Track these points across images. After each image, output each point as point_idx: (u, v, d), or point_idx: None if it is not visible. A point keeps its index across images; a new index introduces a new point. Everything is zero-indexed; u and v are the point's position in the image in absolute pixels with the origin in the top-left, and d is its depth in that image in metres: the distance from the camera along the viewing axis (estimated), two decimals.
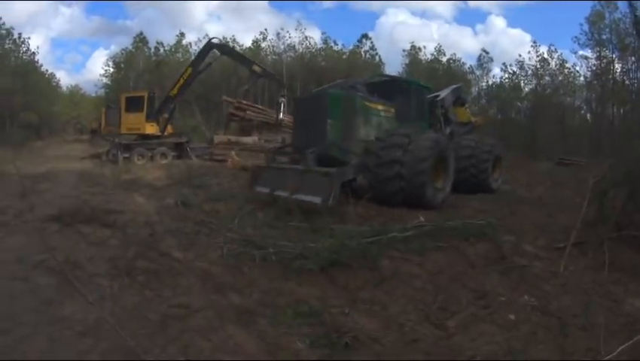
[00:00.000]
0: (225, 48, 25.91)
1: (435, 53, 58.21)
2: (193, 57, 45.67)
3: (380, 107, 11.95)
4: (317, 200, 9.12)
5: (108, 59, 63.02)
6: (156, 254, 6.92)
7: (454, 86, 16.94)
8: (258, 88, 42.16)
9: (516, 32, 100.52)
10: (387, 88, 13.01)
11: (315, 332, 4.67)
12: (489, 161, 13.92)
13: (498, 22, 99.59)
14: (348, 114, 10.99)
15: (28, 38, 56.05)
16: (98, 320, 4.65)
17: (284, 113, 24.56)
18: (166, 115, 24.40)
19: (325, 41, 60.09)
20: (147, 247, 7.27)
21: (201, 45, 40.51)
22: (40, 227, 8.09)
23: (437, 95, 14.96)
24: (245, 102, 26.44)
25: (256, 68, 24.44)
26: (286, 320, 4.91)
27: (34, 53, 55.16)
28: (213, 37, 24.56)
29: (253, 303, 5.32)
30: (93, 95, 63.66)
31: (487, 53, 56.95)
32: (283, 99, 24.78)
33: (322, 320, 4.91)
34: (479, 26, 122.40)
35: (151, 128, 23.81)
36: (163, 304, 5.21)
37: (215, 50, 24.84)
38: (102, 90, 60.20)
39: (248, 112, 26.45)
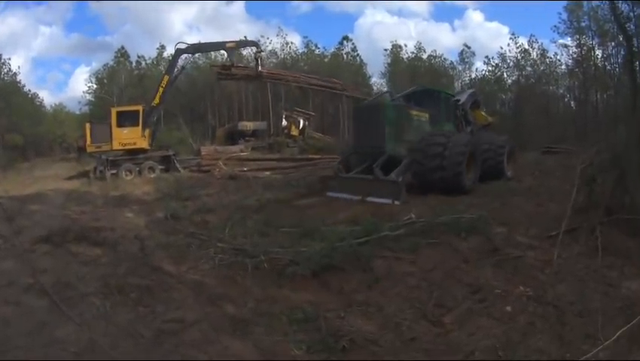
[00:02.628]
0: (193, 48, 26.62)
1: (416, 51, 58.28)
2: (176, 69, 46.39)
3: (419, 113, 14.56)
4: (389, 201, 11.37)
5: (90, 76, 62.77)
6: (147, 270, 6.90)
7: (470, 91, 19.54)
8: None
9: (493, 25, 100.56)
10: (421, 97, 15.82)
11: (311, 338, 4.65)
12: (504, 154, 15.99)
13: (476, 16, 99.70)
14: (398, 121, 13.61)
15: (9, 59, 55.34)
16: (92, 340, 4.62)
17: (262, 67, 28.67)
18: (151, 127, 24.36)
19: (307, 45, 60.10)
20: (138, 263, 7.26)
21: (182, 56, 42.29)
22: (29, 249, 8.05)
23: (458, 100, 17.13)
24: (227, 64, 28.88)
25: (229, 44, 26.72)
26: (281, 327, 4.89)
27: (15, 73, 54.82)
28: (179, 42, 25.54)
29: (247, 312, 5.29)
30: (78, 112, 63.12)
31: (469, 47, 57.13)
32: (260, 54, 28.82)
33: (318, 325, 4.88)
34: (456, 22, 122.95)
35: (144, 142, 23.78)
36: (156, 319, 5.18)
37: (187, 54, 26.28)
38: (87, 107, 59.86)
39: (232, 69, 28.79)
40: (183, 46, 25.36)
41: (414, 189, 12.66)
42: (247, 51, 34.83)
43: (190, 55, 26.84)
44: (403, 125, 13.68)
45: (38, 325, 5.04)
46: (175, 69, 25.40)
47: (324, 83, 32.63)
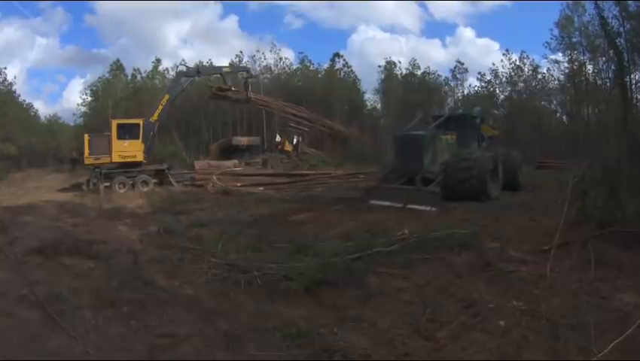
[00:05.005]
0: (193, 71, 28.01)
1: (410, 67, 58.39)
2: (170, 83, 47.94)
3: (448, 136, 17.11)
4: (427, 208, 13.14)
5: (85, 88, 62.47)
6: (140, 284, 6.85)
7: (478, 110, 22.48)
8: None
9: (484, 41, 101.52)
10: (449, 121, 18.14)
11: (304, 353, 4.61)
12: (517, 166, 18.30)
13: (467, 33, 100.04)
14: (434, 147, 16.18)
15: (5, 69, 55.23)
16: (84, 353, 4.60)
17: (251, 92, 31.54)
18: (147, 142, 24.41)
19: (302, 61, 60.11)
20: (131, 276, 7.21)
21: (177, 70, 44.50)
22: (22, 261, 8.01)
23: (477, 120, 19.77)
24: (223, 87, 30.77)
25: (226, 69, 29.72)
26: (275, 342, 4.84)
27: (11, 83, 54.71)
28: (181, 64, 27.35)
29: (240, 328, 5.25)
30: (72, 124, 62.81)
31: (462, 63, 57.26)
32: (250, 80, 31.60)
33: (311, 340, 4.85)
34: (448, 38, 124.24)
35: (143, 156, 23.83)
36: (149, 334, 5.14)
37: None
38: (81, 119, 59.67)
39: (228, 92, 30.84)
40: (184, 69, 26.94)
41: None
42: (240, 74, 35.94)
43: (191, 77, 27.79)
44: (436, 149, 16.27)
45: (30, 337, 5.01)
46: (177, 90, 26.27)
47: (298, 113, 35.67)
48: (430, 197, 13.88)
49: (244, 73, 32.78)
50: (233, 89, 31.21)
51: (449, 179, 14.96)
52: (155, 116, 24.70)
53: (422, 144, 15.93)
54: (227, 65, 30.19)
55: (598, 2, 31.71)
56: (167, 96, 25.40)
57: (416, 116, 20.72)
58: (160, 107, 24.91)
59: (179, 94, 27.13)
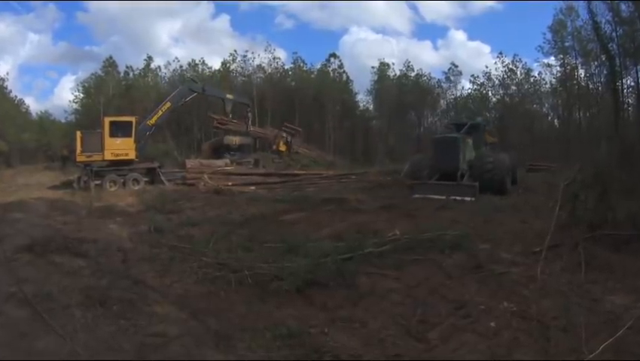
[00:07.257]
0: (199, 88, 28.62)
1: (404, 69, 58.45)
2: (164, 81, 48.08)
3: (469, 140, 19.34)
4: (468, 198, 15.84)
5: (77, 85, 62.02)
6: (130, 282, 6.81)
7: (480, 119, 24.39)
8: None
9: (475, 44, 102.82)
10: (466, 126, 20.68)
11: (294, 354, 4.59)
12: (516, 167, 21.21)
13: (458, 35, 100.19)
14: (464, 148, 18.43)
15: None
16: (72, 352, 4.55)
17: (251, 125, 32.93)
18: (140, 141, 24.29)
19: (295, 61, 60.07)
20: (120, 275, 7.17)
21: (170, 68, 45.28)
22: (11, 258, 7.94)
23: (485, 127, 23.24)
24: (225, 119, 32.28)
25: (229, 96, 30.63)
26: (265, 342, 4.83)
27: (2, 79, 54.39)
28: (190, 79, 27.65)
29: (231, 328, 5.22)
30: (63, 121, 62.37)
31: (456, 66, 57.34)
32: (249, 114, 32.78)
33: (301, 340, 4.83)
34: (440, 41, 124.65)
35: (135, 154, 23.71)
36: (138, 333, 5.10)
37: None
38: (72, 116, 59.31)
39: (228, 125, 32.21)
40: (193, 85, 28.22)
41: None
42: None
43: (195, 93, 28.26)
44: (465, 150, 18.61)
45: (18, 335, 4.96)
46: (180, 101, 26.95)
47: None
48: (469, 190, 16.47)
49: (247, 107, 33.24)
50: (234, 121, 32.30)
51: (476, 175, 17.64)
52: (153, 121, 24.84)
53: (457, 144, 18.25)
54: (230, 94, 31.04)
55: (592, 6, 32.09)
56: (169, 104, 25.73)
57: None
58: (160, 112, 25.25)
59: (181, 105, 27.99)
